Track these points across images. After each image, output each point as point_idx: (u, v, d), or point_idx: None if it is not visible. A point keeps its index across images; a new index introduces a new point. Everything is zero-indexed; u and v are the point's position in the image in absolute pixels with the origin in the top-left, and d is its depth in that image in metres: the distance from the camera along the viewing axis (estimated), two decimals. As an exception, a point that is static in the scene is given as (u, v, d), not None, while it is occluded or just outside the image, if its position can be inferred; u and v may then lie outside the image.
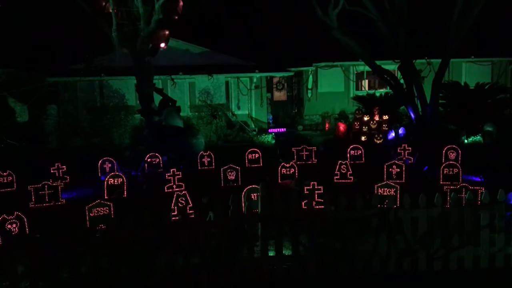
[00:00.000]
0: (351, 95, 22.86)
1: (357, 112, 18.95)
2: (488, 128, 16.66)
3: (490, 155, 13.74)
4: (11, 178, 11.86)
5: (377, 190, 8.93)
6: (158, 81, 18.25)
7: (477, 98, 17.95)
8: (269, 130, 20.51)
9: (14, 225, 7.57)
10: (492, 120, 16.92)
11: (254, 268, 6.31)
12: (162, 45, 14.91)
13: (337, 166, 11.81)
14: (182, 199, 8.62)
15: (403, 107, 18.97)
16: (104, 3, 14.34)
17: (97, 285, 5.87)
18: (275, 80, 24.13)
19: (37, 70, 19.19)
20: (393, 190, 8.93)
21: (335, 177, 11.72)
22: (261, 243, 6.39)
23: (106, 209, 8.35)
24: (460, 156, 12.86)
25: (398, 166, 11.53)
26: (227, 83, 21.10)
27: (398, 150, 13.69)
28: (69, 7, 15.60)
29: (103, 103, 19.65)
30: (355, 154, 13.81)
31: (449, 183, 10.43)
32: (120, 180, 10.91)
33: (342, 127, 19.16)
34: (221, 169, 11.81)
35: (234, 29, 23.79)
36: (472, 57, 22.58)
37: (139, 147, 14.62)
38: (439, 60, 17.77)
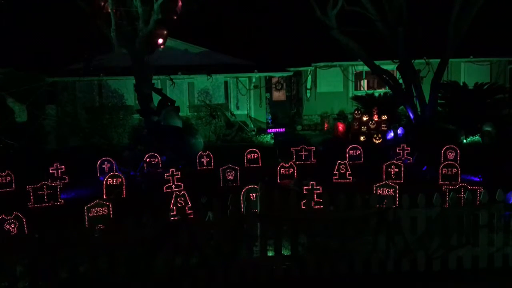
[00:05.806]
0: (350, 95, 22.87)
1: (356, 112, 18.94)
2: (487, 128, 16.65)
3: (489, 155, 13.74)
4: (10, 178, 11.84)
5: (376, 190, 8.93)
6: (157, 81, 18.24)
7: (476, 98, 17.94)
8: (268, 130, 20.50)
9: (13, 225, 7.56)
10: (491, 120, 16.90)
11: (253, 268, 6.31)
12: (160, 41, 14.86)
13: (336, 166, 11.81)
14: (181, 199, 8.60)
15: (402, 107, 18.96)
16: (103, 3, 14.33)
17: (96, 285, 5.86)
18: (274, 80, 24.13)
19: (35, 70, 19.18)
20: (392, 190, 8.93)
21: (334, 177, 11.72)
22: (260, 243, 6.38)
23: (105, 209, 8.34)
24: (459, 156, 12.85)
25: (397, 166, 11.53)
26: (226, 83, 21.09)
27: (397, 150, 13.69)
28: (68, 7, 15.59)
29: (102, 103, 19.64)
30: (354, 154, 13.81)
31: (448, 183, 10.44)
32: (119, 180, 10.91)
33: (341, 127, 19.15)
34: (220, 169, 11.80)
35: (233, 29, 23.79)
36: (471, 57, 22.58)
37: (138, 147, 14.58)
38: (438, 60, 17.79)
